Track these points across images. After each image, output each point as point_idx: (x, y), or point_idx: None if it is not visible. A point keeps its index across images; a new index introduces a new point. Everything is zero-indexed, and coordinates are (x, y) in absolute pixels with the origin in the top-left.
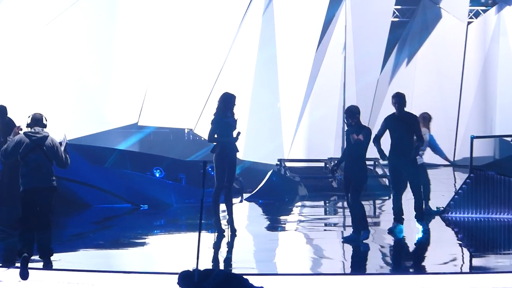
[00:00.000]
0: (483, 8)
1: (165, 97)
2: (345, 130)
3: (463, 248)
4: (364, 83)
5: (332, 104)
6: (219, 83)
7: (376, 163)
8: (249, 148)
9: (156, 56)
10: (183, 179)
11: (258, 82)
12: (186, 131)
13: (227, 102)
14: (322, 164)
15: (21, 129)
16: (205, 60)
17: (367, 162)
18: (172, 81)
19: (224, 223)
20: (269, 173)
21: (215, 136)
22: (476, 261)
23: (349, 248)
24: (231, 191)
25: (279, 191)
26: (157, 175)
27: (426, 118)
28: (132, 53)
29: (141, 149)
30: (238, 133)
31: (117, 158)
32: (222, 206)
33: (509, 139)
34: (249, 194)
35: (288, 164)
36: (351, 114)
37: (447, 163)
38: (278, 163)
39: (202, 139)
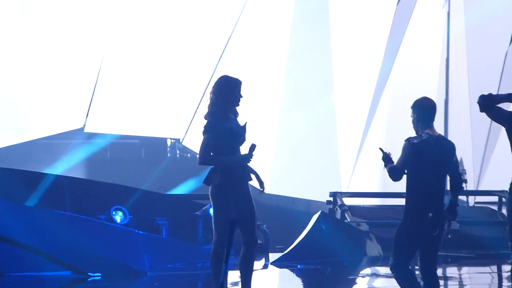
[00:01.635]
0: None
1: (132, 93)
2: None
3: None
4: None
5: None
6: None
7: None
8: (278, 175)
9: (113, 38)
10: (164, 227)
11: (292, 66)
12: (169, 143)
13: (228, 92)
14: None
15: None
16: (196, 48)
17: None
18: (144, 72)
19: None
20: (315, 217)
21: (211, 154)
22: None
23: None
24: (250, 248)
25: (332, 249)
26: (118, 219)
27: None
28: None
29: (90, 173)
30: (253, 146)
31: (48, 189)
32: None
33: None
34: (280, 254)
35: (348, 201)
36: None
37: None
38: (331, 199)
39: (197, 156)
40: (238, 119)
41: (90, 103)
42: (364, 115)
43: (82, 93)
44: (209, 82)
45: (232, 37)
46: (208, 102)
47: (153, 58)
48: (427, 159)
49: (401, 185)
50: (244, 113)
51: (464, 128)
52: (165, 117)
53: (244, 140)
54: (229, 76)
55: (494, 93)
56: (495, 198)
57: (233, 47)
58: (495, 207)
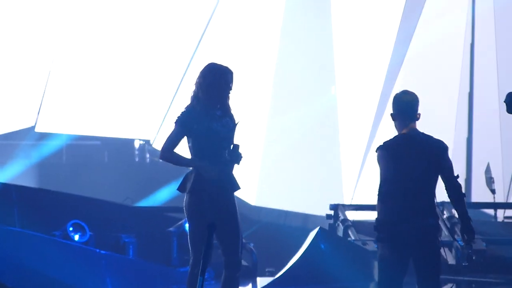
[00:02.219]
0: None
1: (93, 86)
2: None
3: None
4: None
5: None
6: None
7: None
8: (268, 185)
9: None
10: (131, 245)
11: (284, 54)
12: (137, 145)
13: (212, 83)
14: None
15: None
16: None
17: None
18: (108, 63)
19: None
20: (313, 234)
21: (175, 150)
22: None
23: None
24: (234, 271)
25: (333, 272)
26: (76, 237)
27: None
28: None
29: (43, 181)
30: (234, 148)
31: None
32: None
33: None
34: (270, 279)
35: (351, 215)
36: None
37: None
38: (332, 213)
39: None
40: (234, 115)
41: (43, 97)
42: (371, 112)
43: (33, 86)
44: (184, 74)
45: (212, 21)
46: (191, 93)
47: (120, 47)
48: (396, 161)
49: None
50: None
51: (492, 128)
52: (132, 114)
53: (231, 143)
54: (216, 64)
55: None
56: None
57: (213, 31)
58: None
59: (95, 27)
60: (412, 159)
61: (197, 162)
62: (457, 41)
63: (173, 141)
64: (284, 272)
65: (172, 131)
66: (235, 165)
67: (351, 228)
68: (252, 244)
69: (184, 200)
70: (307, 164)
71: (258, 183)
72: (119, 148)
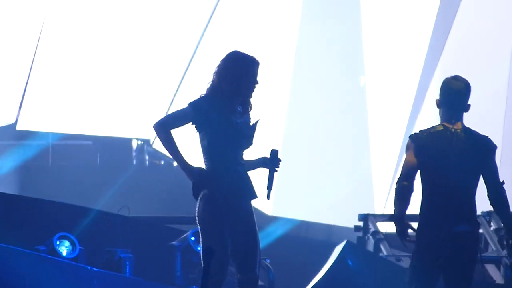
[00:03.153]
0: None
1: (84, 78)
2: None
3: None
4: None
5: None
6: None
7: None
8: (286, 192)
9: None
10: (127, 262)
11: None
12: (135, 145)
13: (236, 74)
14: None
15: None
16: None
17: None
18: (103, 54)
19: None
20: (339, 249)
21: (210, 148)
22: None
23: None
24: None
25: None
26: (64, 252)
27: None
28: None
29: (25, 187)
30: (273, 153)
31: None
32: None
33: None
34: None
35: (384, 227)
36: None
37: None
38: (361, 224)
39: (174, 164)
40: (251, 114)
41: (25, 90)
42: (407, 107)
43: (14, 78)
44: (187, 68)
45: (219, 9)
46: (208, 85)
47: (117, 38)
48: (433, 158)
49: None
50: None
51: None
52: (129, 110)
53: (251, 143)
54: (241, 52)
55: None
56: None
57: (220, 20)
58: None
59: (91, 16)
60: (447, 156)
61: (186, 163)
62: (506, 24)
63: (177, 119)
64: None
65: (181, 109)
66: (274, 173)
67: (383, 242)
68: (268, 260)
69: (197, 207)
70: (331, 167)
71: (275, 189)
72: (114, 149)
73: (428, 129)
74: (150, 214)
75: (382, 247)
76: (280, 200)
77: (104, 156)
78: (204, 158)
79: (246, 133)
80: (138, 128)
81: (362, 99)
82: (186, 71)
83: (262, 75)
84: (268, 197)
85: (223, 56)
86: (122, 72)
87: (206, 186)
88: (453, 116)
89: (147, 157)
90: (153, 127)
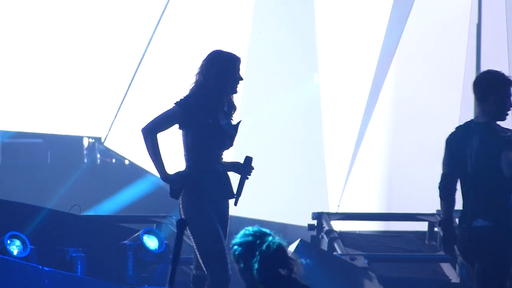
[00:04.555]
0: None
1: (33, 74)
2: None
3: None
4: None
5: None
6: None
7: None
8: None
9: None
10: (79, 261)
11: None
12: (86, 143)
13: (223, 71)
14: (424, 227)
15: None
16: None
17: None
18: (51, 50)
19: None
20: (293, 248)
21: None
22: None
23: None
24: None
25: None
26: (15, 251)
27: None
28: None
29: None
30: (247, 160)
31: None
32: None
33: None
34: None
35: (338, 225)
36: None
37: None
38: (315, 223)
39: (126, 162)
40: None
41: None
42: (361, 104)
43: None
44: (138, 65)
45: (170, 7)
46: (192, 85)
47: (66, 32)
48: (461, 153)
49: (412, 204)
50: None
51: (504, 124)
52: (80, 108)
53: (232, 144)
54: (223, 50)
55: None
56: None
57: (171, 17)
58: None
59: (39, 11)
60: (474, 149)
61: (166, 172)
62: (461, 22)
63: (165, 121)
64: None
65: (168, 110)
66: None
67: (337, 241)
68: None
69: (181, 205)
70: (285, 166)
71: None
72: (65, 147)
73: (463, 124)
74: (101, 213)
75: (336, 245)
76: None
77: (55, 154)
78: (185, 155)
79: (230, 134)
80: (89, 126)
81: (316, 97)
82: (137, 68)
83: None
84: (236, 204)
85: (205, 56)
86: (73, 69)
87: (187, 184)
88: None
89: (98, 155)
90: (141, 131)
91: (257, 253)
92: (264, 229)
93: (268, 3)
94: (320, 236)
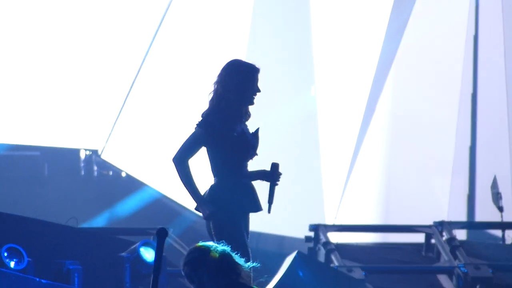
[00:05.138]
0: None
1: (30, 86)
2: None
3: None
4: None
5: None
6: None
7: None
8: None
9: None
10: (76, 273)
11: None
12: (83, 155)
13: (243, 83)
14: (422, 239)
15: None
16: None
17: None
18: (48, 61)
19: None
20: (290, 259)
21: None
22: None
23: None
24: None
25: None
26: (12, 264)
27: None
28: None
29: None
30: (274, 167)
31: None
32: None
33: None
34: None
35: (335, 237)
36: None
37: None
38: (312, 235)
39: (123, 174)
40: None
41: None
42: (358, 117)
43: None
44: (135, 78)
45: (168, 18)
46: (211, 95)
47: (64, 44)
48: None
49: (409, 216)
50: (194, 116)
51: (500, 135)
52: (77, 120)
53: (255, 154)
54: (242, 60)
55: None
56: None
57: (169, 29)
58: None
59: (38, 25)
60: None
61: (201, 197)
62: (458, 33)
63: (192, 147)
64: None
65: (192, 135)
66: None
67: (334, 253)
68: None
69: (214, 224)
70: (282, 178)
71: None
72: (62, 159)
73: None
74: (98, 225)
75: (333, 257)
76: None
77: (52, 167)
78: (214, 172)
79: (253, 143)
80: (86, 139)
81: (313, 109)
82: (134, 81)
83: (206, 81)
84: (269, 211)
85: (223, 65)
86: (70, 82)
87: (219, 202)
88: None
89: (95, 168)
90: (173, 162)
91: (203, 265)
92: (205, 243)
93: (264, 15)
94: (317, 248)
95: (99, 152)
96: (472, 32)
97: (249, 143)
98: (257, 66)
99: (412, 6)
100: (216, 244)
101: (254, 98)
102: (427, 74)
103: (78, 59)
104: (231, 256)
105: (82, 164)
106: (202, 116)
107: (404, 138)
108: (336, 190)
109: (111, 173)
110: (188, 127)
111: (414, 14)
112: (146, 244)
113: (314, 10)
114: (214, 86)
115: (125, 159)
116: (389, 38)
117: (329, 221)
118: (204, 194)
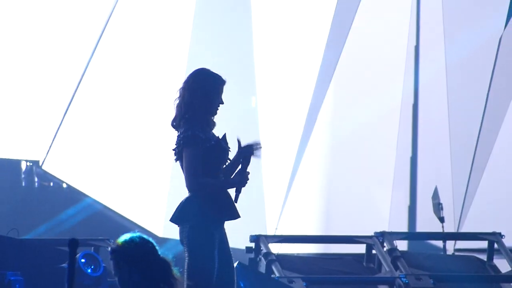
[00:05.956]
0: None
1: None
2: None
3: None
4: None
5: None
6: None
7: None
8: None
9: None
10: (17, 284)
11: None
12: (23, 167)
13: (209, 91)
14: (362, 249)
15: None
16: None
17: None
18: None
19: None
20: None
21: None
22: None
23: None
24: None
25: None
26: None
27: None
28: None
29: None
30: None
31: None
32: None
33: None
34: None
35: (276, 248)
36: None
37: None
38: (252, 246)
39: (64, 185)
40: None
41: None
42: (299, 127)
43: None
44: (76, 88)
45: (111, 24)
46: (176, 101)
47: (2, 56)
48: None
49: (350, 227)
50: (136, 126)
51: (441, 145)
52: (17, 131)
53: (229, 159)
54: (211, 71)
55: (484, 91)
56: (483, 244)
57: (111, 36)
58: (483, 257)
59: None
60: None
61: (231, 180)
62: (399, 43)
63: (199, 165)
64: None
65: (189, 155)
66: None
67: (275, 263)
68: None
69: (184, 232)
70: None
71: (166, 211)
72: (2, 170)
73: None
74: (40, 237)
75: (274, 268)
76: (168, 220)
77: None
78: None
79: (227, 149)
80: (27, 150)
81: (254, 120)
82: (75, 91)
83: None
84: (236, 201)
85: (191, 72)
86: (10, 92)
87: (199, 211)
88: None
89: (36, 179)
90: (194, 191)
91: (122, 261)
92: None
93: (205, 25)
94: (258, 259)
95: (40, 163)
96: (413, 43)
97: (225, 150)
98: (223, 78)
99: (353, 17)
100: (127, 235)
101: (217, 109)
102: (368, 85)
103: (18, 68)
104: (142, 238)
105: (23, 175)
106: (172, 126)
107: (344, 149)
108: (277, 201)
109: (52, 184)
110: (129, 138)
111: (355, 25)
112: (87, 255)
113: (256, 19)
114: (180, 93)
115: (66, 170)
116: (329, 48)
117: (270, 232)
118: (179, 206)
